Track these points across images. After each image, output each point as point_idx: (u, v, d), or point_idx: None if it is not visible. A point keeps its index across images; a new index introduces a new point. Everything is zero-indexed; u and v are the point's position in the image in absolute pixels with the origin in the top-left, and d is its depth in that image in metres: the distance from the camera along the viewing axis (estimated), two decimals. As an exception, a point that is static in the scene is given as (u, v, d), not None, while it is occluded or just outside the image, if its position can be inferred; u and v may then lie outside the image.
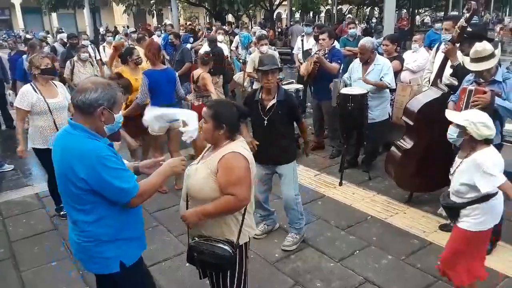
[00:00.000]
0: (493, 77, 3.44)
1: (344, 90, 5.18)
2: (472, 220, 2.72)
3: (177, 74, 5.35)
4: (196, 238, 2.44)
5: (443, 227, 4.01)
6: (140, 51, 7.28)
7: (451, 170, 2.84)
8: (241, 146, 2.44)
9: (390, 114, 5.68)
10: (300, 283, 3.41)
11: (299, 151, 5.06)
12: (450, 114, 2.73)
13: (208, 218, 2.37)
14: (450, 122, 2.81)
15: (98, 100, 2.05)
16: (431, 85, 4.42)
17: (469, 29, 3.97)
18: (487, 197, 2.66)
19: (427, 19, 33.68)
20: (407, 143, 4.44)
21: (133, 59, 5.20)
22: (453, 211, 2.81)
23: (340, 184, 5.20)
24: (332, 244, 3.94)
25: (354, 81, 5.38)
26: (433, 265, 3.27)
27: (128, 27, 26.54)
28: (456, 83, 4.10)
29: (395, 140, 4.67)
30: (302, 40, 8.30)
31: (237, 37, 10.99)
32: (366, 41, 5.28)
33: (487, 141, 2.64)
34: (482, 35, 3.96)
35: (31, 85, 4.25)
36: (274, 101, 3.59)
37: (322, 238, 4.04)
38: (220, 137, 2.42)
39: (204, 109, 2.45)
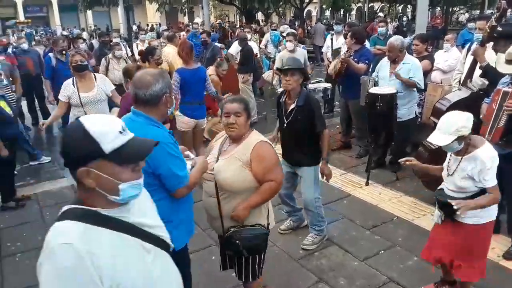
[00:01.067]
0: None
1: (373, 90, 5.11)
2: (482, 213, 2.71)
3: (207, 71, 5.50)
4: (232, 229, 2.58)
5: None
6: (170, 48, 7.52)
7: (449, 171, 2.77)
8: (262, 135, 2.64)
9: (419, 114, 5.60)
10: (324, 280, 3.44)
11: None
12: (432, 138, 2.67)
13: (256, 207, 2.56)
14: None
15: (162, 90, 2.20)
16: (461, 85, 4.36)
17: (499, 28, 3.89)
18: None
19: (462, 18, 32.68)
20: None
21: (154, 59, 5.39)
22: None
23: (367, 184, 5.18)
24: (357, 243, 3.95)
25: (381, 79, 5.32)
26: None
27: (160, 25, 27.11)
28: (487, 82, 4.02)
29: (424, 140, 4.62)
30: (331, 39, 8.25)
31: (267, 35, 11.07)
32: (395, 39, 5.18)
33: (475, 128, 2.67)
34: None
35: (73, 79, 4.59)
36: (293, 105, 3.55)
37: (347, 237, 4.05)
38: (247, 128, 2.62)
39: (235, 104, 2.58)
